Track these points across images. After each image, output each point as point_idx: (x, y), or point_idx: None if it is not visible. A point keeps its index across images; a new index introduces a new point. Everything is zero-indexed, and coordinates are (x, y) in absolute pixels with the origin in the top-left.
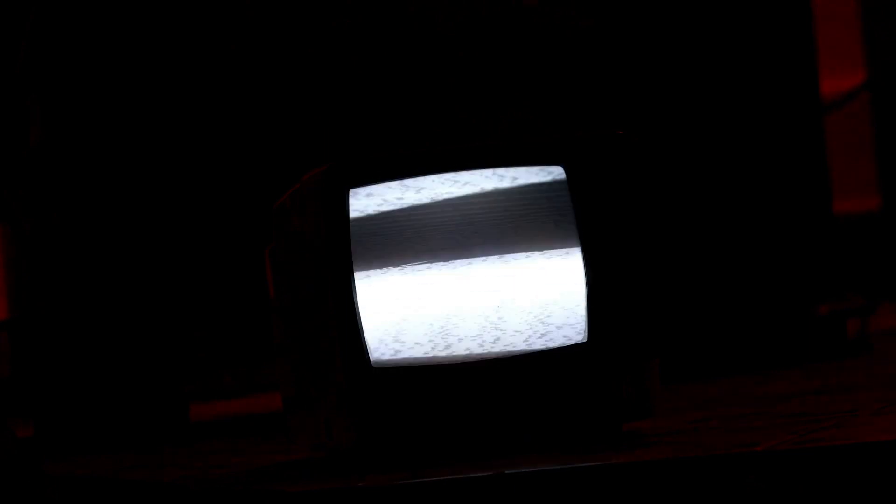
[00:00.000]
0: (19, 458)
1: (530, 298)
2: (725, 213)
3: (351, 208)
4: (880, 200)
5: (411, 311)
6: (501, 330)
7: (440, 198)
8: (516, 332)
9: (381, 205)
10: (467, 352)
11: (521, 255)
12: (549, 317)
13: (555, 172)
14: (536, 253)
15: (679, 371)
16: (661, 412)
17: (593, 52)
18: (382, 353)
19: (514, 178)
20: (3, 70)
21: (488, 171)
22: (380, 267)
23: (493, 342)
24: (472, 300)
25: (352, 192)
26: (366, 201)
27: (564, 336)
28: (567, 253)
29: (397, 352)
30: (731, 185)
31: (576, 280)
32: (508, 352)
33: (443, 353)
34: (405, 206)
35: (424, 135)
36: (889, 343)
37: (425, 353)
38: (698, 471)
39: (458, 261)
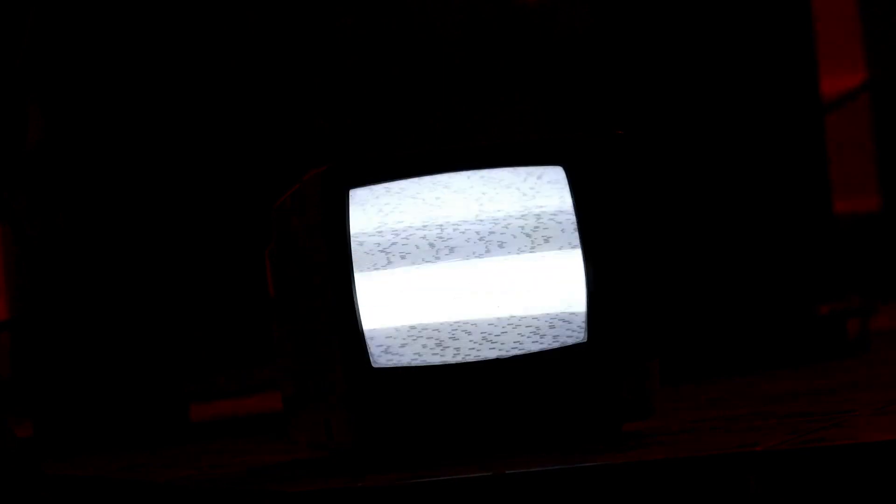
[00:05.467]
0: (19, 458)
1: (530, 298)
2: (725, 213)
3: (351, 208)
4: (880, 200)
5: (411, 311)
6: (501, 329)
7: (440, 198)
8: (516, 331)
9: (381, 204)
10: (467, 351)
11: (522, 255)
12: (549, 316)
13: (555, 172)
14: (537, 252)
15: (679, 371)
16: (661, 412)
17: (593, 52)
18: (382, 353)
19: (513, 178)
20: (3, 70)
21: (487, 171)
22: (379, 267)
23: (493, 342)
24: (472, 300)
25: (351, 192)
26: (365, 201)
27: (564, 336)
28: (567, 253)
29: (397, 351)
30: (731, 185)
31: (576, 280)
32: (508, 352)
33: (442, 353)
34: (404, 206)
35: (424, 135)
36: (889, 343)
37: (425, 353)
38: (698, 471)
39: (458, 261)
